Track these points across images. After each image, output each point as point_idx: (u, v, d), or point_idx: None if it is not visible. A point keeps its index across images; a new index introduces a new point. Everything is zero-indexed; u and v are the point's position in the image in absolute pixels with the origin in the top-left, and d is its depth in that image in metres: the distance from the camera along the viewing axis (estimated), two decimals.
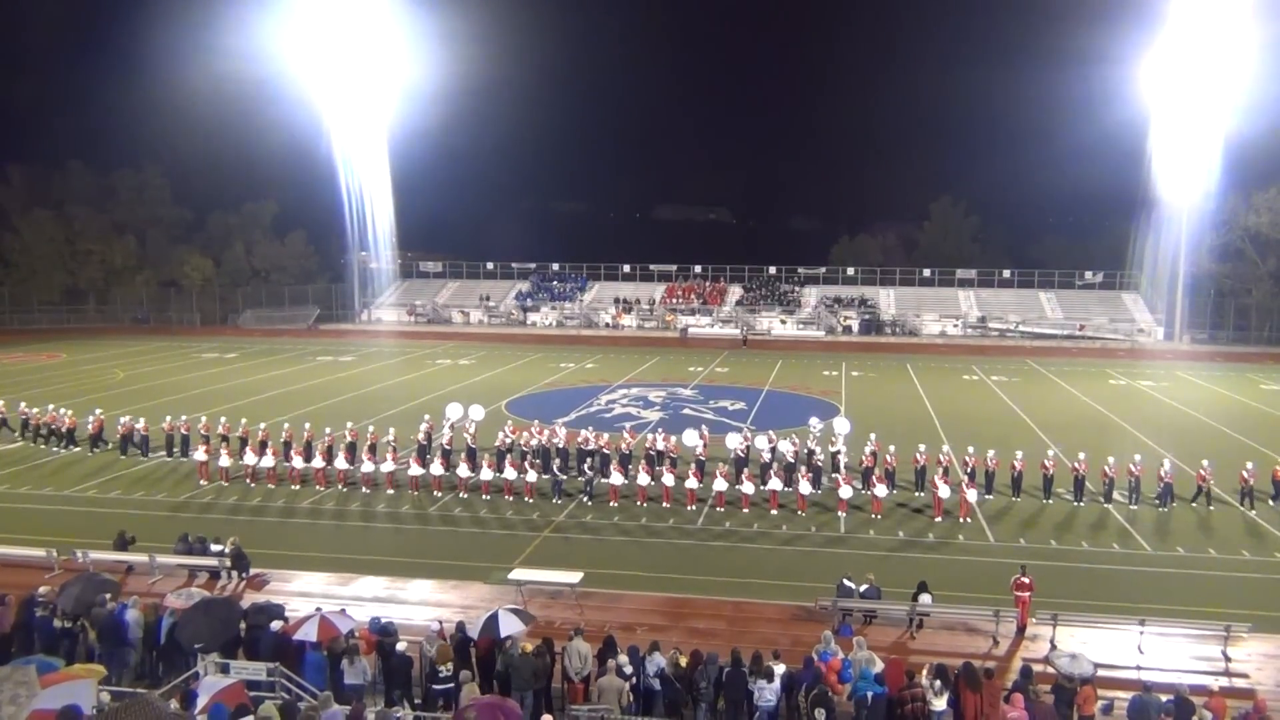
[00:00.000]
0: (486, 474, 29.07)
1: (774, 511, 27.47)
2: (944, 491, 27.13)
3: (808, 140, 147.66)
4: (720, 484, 28.21)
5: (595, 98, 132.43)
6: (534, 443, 31.67)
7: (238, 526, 25.17)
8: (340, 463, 30.42)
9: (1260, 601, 21.03)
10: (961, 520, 26.77)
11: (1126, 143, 77.33)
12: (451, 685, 15.53)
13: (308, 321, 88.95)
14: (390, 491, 29.46)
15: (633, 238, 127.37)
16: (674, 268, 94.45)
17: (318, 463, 30.29)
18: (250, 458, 30.65)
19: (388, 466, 29.85)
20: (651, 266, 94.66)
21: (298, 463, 30.54)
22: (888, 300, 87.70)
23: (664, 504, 27.97)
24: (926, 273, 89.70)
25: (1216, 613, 19.65)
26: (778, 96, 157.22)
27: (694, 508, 27.72)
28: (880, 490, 27.60)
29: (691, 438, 30.88)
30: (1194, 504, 27.87)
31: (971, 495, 27.16)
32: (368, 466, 30.13)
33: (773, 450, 30.43)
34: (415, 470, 29.76)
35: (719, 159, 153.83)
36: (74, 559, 22.21)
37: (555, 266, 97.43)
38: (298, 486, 29.87)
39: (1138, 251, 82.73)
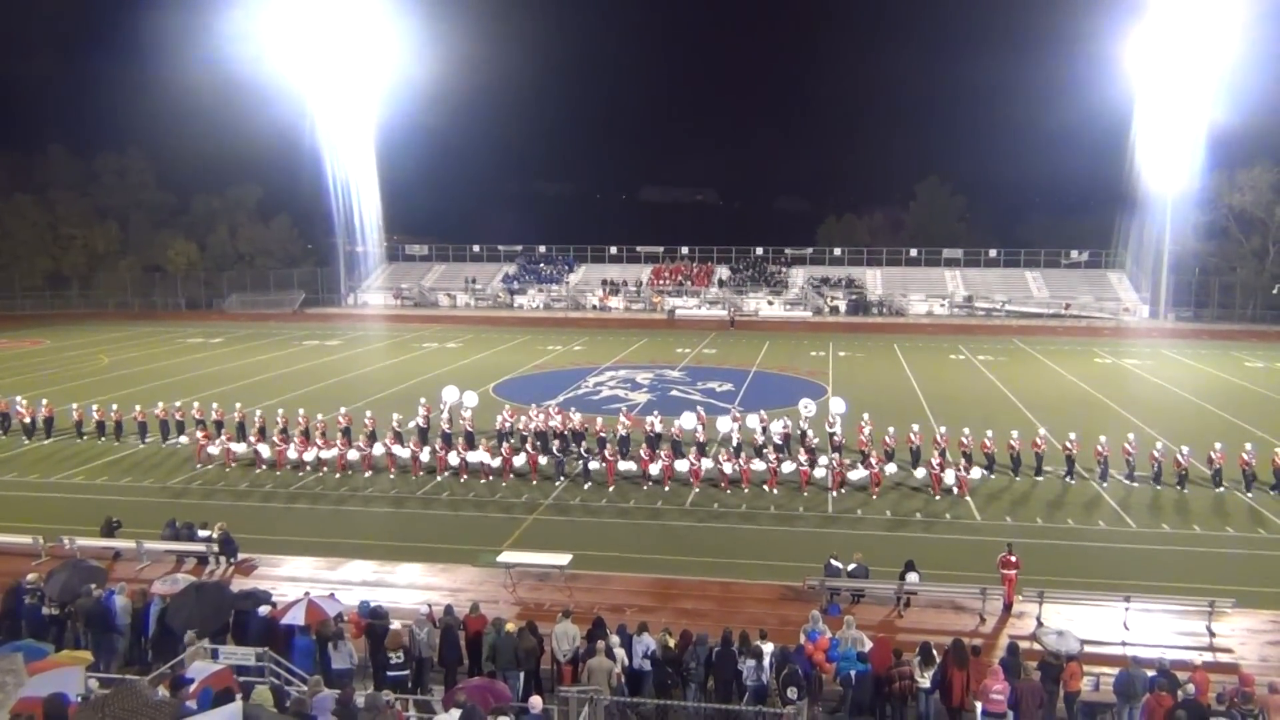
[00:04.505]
0: (474, 457, 29.09)
1: (774, 491, 27.47)
2: (949, 478, 27.27)
3: (794, 121, 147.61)
4: (716, 464, 28.35)
5: (581, 79, 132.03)
6: (532, 426, 31.72)
7: (225, 511, 25.09)
8: (328, 451, 30.31)
9: (1244, 577, 21.19)
10: (962, 497, 26.95)
11: (1112, 123, 77.68)
12: (405, 673, 15.55)
13: (293, 305, 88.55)
14: (391, 475, 29.45)
15: (619, 219, 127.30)
16: (661, 249, 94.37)
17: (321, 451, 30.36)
18: (239, 446, 30.80)
19: (401, 451, 29.88)
20: (638, 248, 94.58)
21: (292, 450, 30.46)
22: (874, 280, 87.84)
23: (664, 487, 27.94)
24: (913, 253, 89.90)
25: (1201, 589, 19.81)
26: (764, 77, 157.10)
27: (699, 489, 27.79)
28: (890, 468, 27.86)
29: (690, 420, 30.98)
30: (1219, 488, 27.71)
31: (975, 474, 27.57)
32: (366, 448, 30.15)
33: (764, 430, 30.61)
34: (424, 456, 29.85)
35: (705, 140, 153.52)
36: (60, 545, 22.12)
37: (542, 249, 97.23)
38: (294, 472, 29.81)
39: (1123, 230, 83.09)
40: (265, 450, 30.40)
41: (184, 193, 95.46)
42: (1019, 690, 14.05)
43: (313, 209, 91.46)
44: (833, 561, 20.01)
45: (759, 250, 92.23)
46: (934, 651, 15.03)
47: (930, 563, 20.92)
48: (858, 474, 27.67)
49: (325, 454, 29.96)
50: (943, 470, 27.47)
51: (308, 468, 29.82)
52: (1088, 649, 16.33)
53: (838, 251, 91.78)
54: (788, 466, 28.09)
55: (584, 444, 30.14)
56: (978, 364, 53.59)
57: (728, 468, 27.98)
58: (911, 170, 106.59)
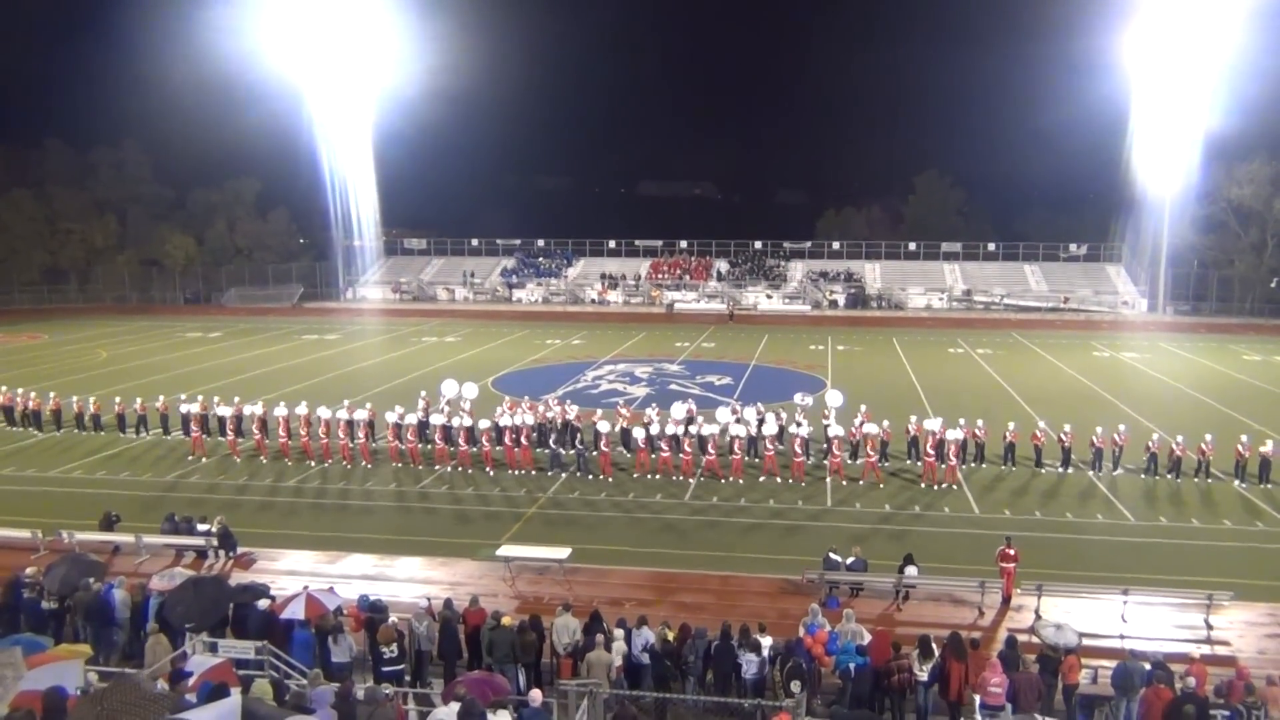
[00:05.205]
0: (484, 424, 29.38)
1: (763, 479, 27.80)
2: (953, 434, 27.80)
3: (792, 114, 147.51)
4: (703, 454, 28.67)
5: (579, 73, 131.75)
6: (528, 419, 31.75)
7: (224, 505, 25.11)
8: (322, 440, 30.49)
9: (1241, 570, 21.25)
10: (949, 486, 27.18)
11: (1110, 116, 77.61)
12: (401, 668, 15.54)
13: (292, 300, 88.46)
14: (397, 465, 29.59)
15: (618, 213, 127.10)
16: (659, 243, 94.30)
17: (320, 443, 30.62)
18: (242, 439, 30.85)
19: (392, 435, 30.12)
20: (637, 242, 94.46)
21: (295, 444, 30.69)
22: (873, 274, 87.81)
23: (656, 476, 28.15)
24: (912, 246, 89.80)
25: (1199, 582, 19.83)
26: (762, 71, 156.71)
27: (682, 479, 27.87)
28: (870, 427, 28.28)
29: (679, 411, 31.08)
30: (1196, 479, 27.86)
31: (951, 434, 28.09)
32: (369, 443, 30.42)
33: (760, 422, 30.73)
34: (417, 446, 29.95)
35: (704, 134, 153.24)
36: (59, 539, 22.13)
37: (540, 243, 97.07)
38: (294, 465, 29.85)
39: (1121, 224, 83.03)
40: (266, 442, 30.61)
41: (182, 187, 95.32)
42: (1017, 683, 14.08)
43: (311, 203, 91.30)
44: (831, 555, 20.03)
45: (758, 244, 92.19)
46: (933, 644, 15.03)
47: (929, 556, 20.95)
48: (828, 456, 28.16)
49: (332, 410, 30.49)
50: (938, 458, 27.71)
51: (309, 461, 29.92)
52: (1086, 642, 16.35)
53: (836, 245, 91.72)
54: (798, 455, 28.41)
55: (580, 437, 30.27)
56: (976, 357, 53.58)
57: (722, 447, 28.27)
58: (910, 164, 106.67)
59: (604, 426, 29.33)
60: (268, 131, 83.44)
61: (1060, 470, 28.87)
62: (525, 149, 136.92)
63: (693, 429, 29.79)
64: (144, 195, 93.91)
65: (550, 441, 30.00)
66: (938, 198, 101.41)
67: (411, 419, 31.03)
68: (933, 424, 28.31)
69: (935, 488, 27.29)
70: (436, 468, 29.28)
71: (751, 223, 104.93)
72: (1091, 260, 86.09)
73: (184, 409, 32.23)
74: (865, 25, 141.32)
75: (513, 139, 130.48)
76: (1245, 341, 61.37)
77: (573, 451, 29.64)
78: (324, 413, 31.15)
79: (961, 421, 29.97)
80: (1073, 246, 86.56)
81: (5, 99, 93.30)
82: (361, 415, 31.13)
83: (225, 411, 31.58)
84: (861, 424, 30.29)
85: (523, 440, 29.49)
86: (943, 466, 27.80)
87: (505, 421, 30.19)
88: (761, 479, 27.92)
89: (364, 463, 29.82)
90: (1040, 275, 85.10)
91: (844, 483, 27.70)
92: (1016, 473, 28.98)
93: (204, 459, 30.55)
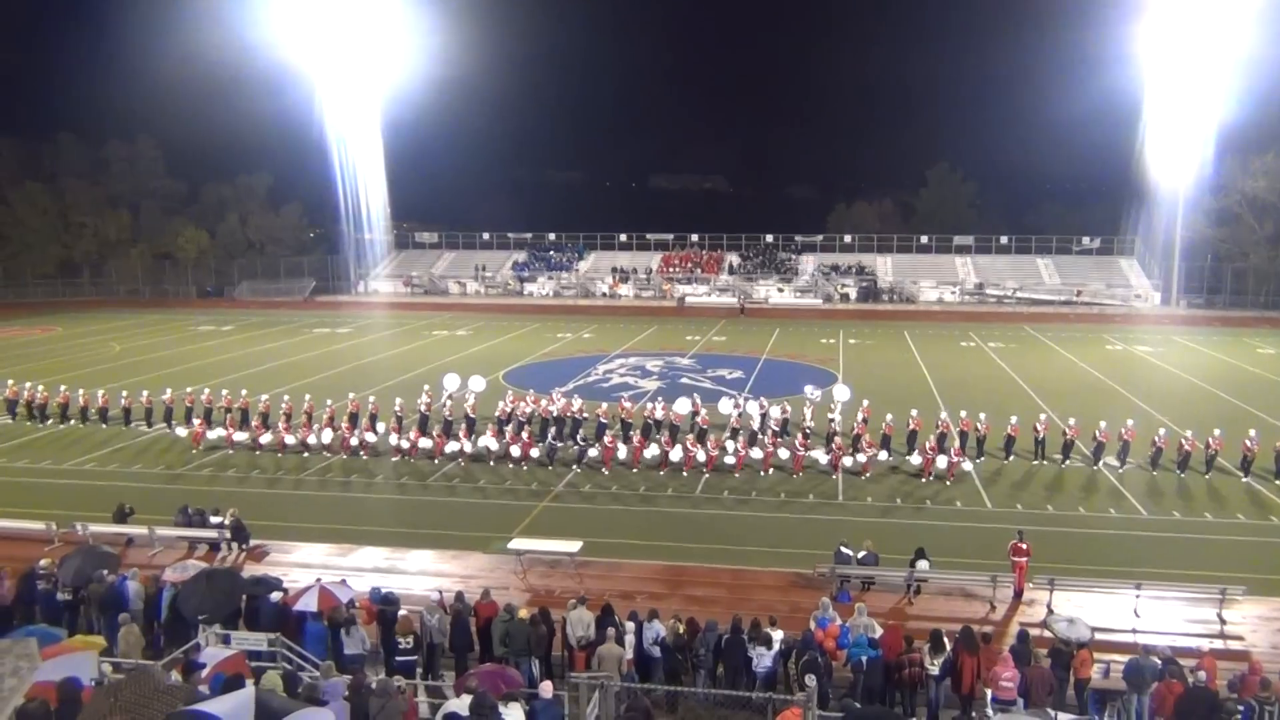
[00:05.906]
0: (478, 443, 29.24)
1: (764, 474, 27.84)
2: (942, 462, 27.32)
3: (804, 108, 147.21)
4: (705, 449, 28.57)
5: (590, 67, 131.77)
6: (528, 410, 31.83)
7: (237, 498, 25.20)
8: (326, 435, 30.57)
9: (1255, 564, 21.12)
10: (948, 482, 27.08)
11: (1123, 109, 77.21)
12: (414, 659, 15.59)
13: (304, 293, 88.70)
14: (394, 459, 29.60)
15: (629, 207, 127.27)
16: (670, 236, 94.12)
17: (321, 436, 30.62)
18: (240, 434, 31.10)
19: (394, 440, 29.93)
20: (648, 235, 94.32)
21: (293, 438, 30.69)
22: (885, 267, 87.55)
23: (660, 472, 28.11)
24: (924, 240, 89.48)
25: (1212, 576, 19.73)
26: (773, 64, 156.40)
27: (693, 473, 27.85)
28: (881, 455, 27.93)
29: (684, 405, 31.07)
30: (1208, 475, 27.70)
31: (967, 465, 27.84)
32: (370, 437, 30.36)
33: (763, 416, 30.71)
34: (424, 443, 29.79)
35: (715, 127, 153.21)
36: (74, 531, 22.24)
37: (551, 236, 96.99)
38: (303, 457, 29.99)
39: (1134, 217, 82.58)
40: (266, 436, 30.72)
41: (194, 181, 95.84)
42: (1029, 677, 14.04)
43: (322, 197, 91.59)
44: (843, 549, 19.97)
45: (769, 237, 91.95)
46: (944, 639, 15.01)
47: (941, 550, 20.88)
48: (847, 461, 27.79)
49: (326, 437, 30.34)
50: (936, 455, 27.56)
51: (308, 453, 30.12)
52: (1098, 636, 16.28)
53: (848, 238, 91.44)
54: (784, 452, 28.39)
55: (581, 431, 30.28)
56: (989, 351, 53.42)
57: (729, 457, 28.12)
58: (922, 157, 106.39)
59: (610, 425, 29.33)
60: (280, 125, 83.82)
61: (1061, 463, 28.75)
62: (536, 142, 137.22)
63: (701, 422, 29.81)
64: (156, 189, 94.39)
65: (549, 436, 29.95)
66: (949, 191, 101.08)
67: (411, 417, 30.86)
68: (930, 433, 28.26)
69: (933, 480, 27.22)
70: (434, 461, 29.25)
71: (763, 216, 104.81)
72: (1104, 253, 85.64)
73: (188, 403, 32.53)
74: (877, 17, 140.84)
75: (524, 132, 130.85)
76: (1259, 335, 61.00)
77: (573, 446, 29.62)
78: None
79: (963, 414, 29.93)
80: (1085, 239, 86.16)
81: (19, 93, 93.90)
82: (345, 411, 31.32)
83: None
84: (864, 419, 30.31)
85: (523, 435, 29.50)
86: (942, 460, 27.70)
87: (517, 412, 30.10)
88: (770, 473, 27.88)
89: (362, 454, 29.89)
90: (1053, 268, 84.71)
91: (863, 478, 27.63)
92: (1027, 467, 28.85)
93: (199, 449, 30.67)
